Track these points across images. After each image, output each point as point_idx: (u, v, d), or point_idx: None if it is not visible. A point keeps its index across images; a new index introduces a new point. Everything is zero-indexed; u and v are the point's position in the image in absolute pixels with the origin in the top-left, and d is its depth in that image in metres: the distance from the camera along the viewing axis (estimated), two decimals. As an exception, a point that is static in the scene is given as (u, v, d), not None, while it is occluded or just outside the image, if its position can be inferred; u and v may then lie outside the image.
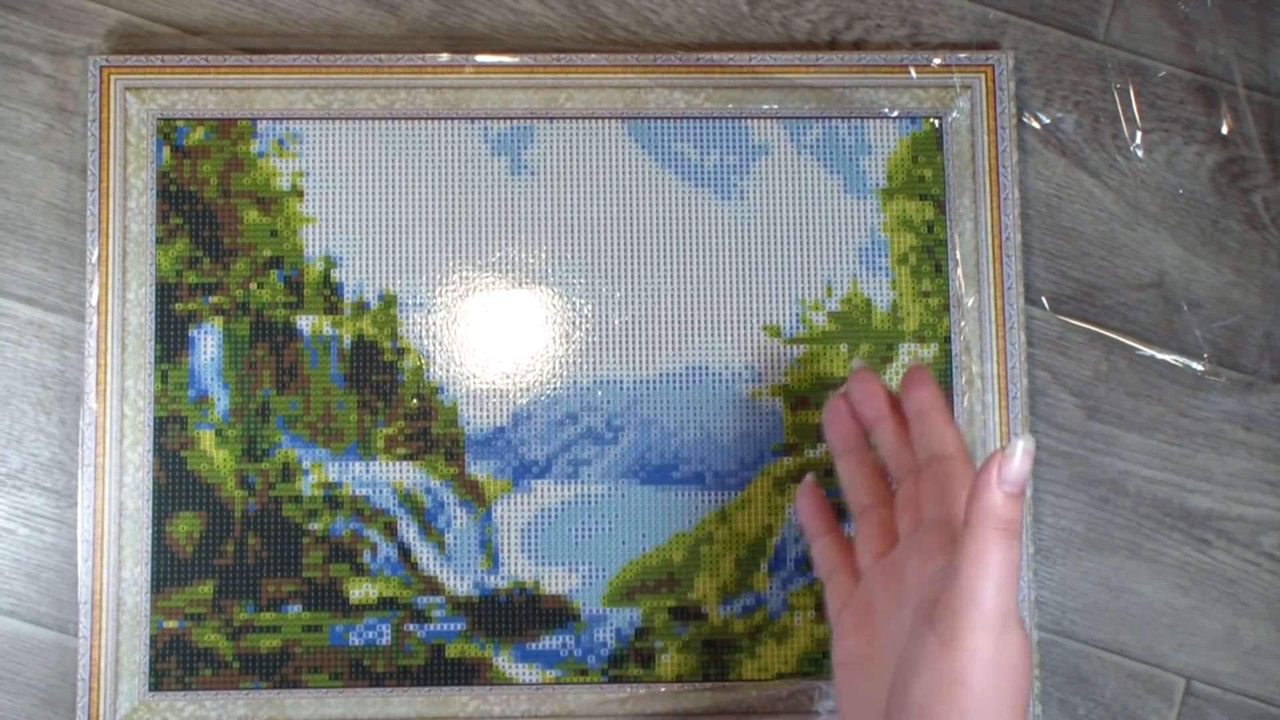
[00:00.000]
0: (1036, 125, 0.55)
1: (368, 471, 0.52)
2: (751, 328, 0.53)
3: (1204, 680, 0.53)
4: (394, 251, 0.53)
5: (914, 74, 0.53)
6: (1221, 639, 0.53)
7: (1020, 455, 0.37)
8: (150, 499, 0.51)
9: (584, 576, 0.52)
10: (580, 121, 0.53)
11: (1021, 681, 0.37)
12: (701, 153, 0.53)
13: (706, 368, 0.53)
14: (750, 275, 0.53)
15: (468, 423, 0.52)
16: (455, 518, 0.52)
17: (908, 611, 0.41)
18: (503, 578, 0.52)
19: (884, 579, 0.43)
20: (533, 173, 0.53)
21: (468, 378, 0.52)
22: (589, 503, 0.52)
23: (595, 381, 0.53)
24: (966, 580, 0.37)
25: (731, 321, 0.53)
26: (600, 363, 0.53)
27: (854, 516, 0.46)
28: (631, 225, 0.53)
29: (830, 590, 0.46)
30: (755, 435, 0.52)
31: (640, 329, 0.53)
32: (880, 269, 0.53)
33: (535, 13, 0.55)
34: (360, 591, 0.51)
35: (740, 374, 0.53)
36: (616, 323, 0.53)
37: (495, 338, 0.52)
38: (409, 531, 0.52)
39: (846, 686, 0.43)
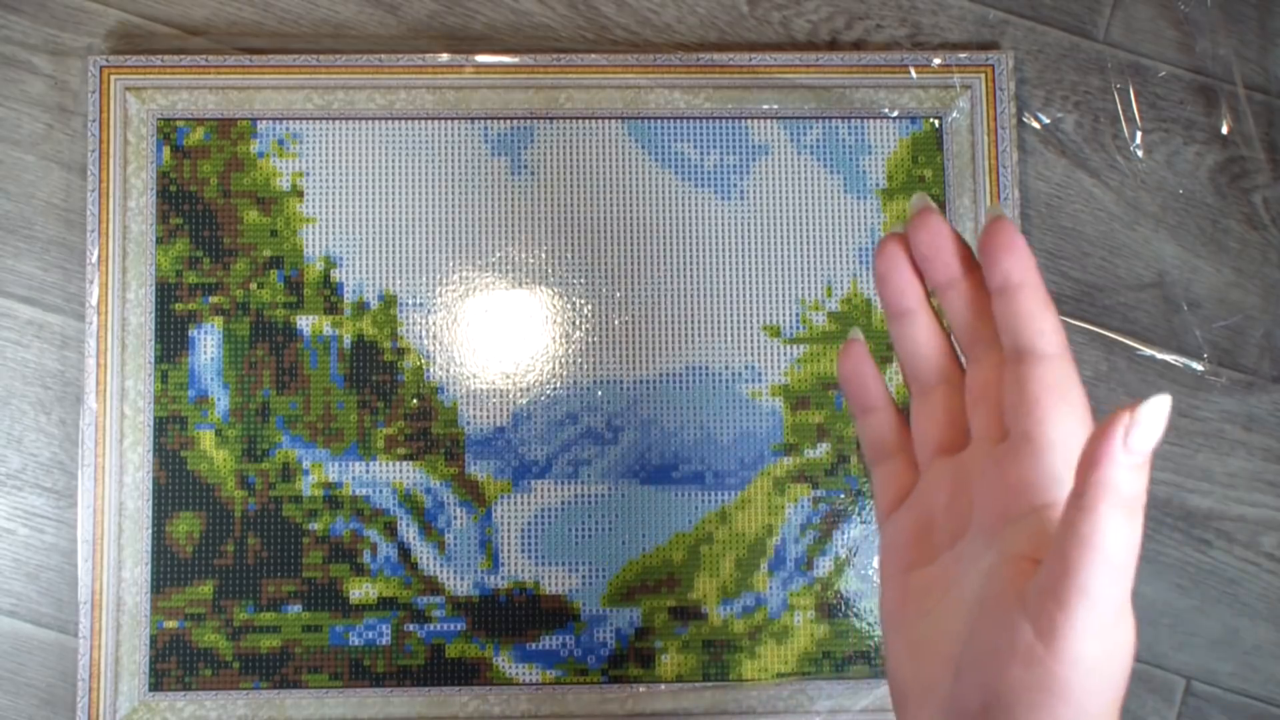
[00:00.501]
0: (1036, 125, 0.55)
1: (368, 471, 0.52)
2: (751, 328, 0.53)
3: (1204, 680, 0.53)
4: (394, 251, 0.53)
5: (914, 74, 0.53)
6: (1221, 639, 0.53)
7: (1154, 418, 0.28)
8: (150, 499, 0.51)
9: (584, 576, 0.52)
10: (580, 121, 0.53)
11: (1124, 678, 0.30)
12: (701, 153, 0.53)
13: (706, 368, 0.53)
14: (750, 275, 0.53)
15: (468, 423, 0.52)
16: (455, 518, 0.52)
17: (980, 546, 0.32)
18: (503, 578, 0.52)
19: (950, 486, 0.34)
20: (533, 173, 0.53)
21: (468, 378, 0.52)
22: (589, 503, 0.52)
23: (595, 381, 0.53)
24: (1076, 568, 0.29)
25: (731, 321, 0.53)
26: (600, 363, 0.53)
27: (912, 395, 0.36)
28: (631, 225, 0.53)
29: (879, 481, 0.36)
30: (755, 435, 0.52)
31: (640, 329, 0.53)
32: (880, 269, 0.53)
33: (535, 13, 0.55)
34: (360, 591, 0.51)
35: (740, 374, 0.53)
36: (616, 323, 0.53)
37: (495, 338, 0.52)
38: (409, 531, 0.52)
39: (897, 613, 0.34)
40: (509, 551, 0.52)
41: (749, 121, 0.54)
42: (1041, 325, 0.32)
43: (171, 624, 0.51)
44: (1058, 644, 0.29)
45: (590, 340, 0.53)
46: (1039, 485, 0.32)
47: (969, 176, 0.53)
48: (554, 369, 0.52)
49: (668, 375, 0.53)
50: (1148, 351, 0.54)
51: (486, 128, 0.53)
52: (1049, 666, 0.29)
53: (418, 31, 0.55)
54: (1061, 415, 0.32)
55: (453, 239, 0.53)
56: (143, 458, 0.51)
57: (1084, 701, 0.29)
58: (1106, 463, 0.28)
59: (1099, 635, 0.29)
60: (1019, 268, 0.32)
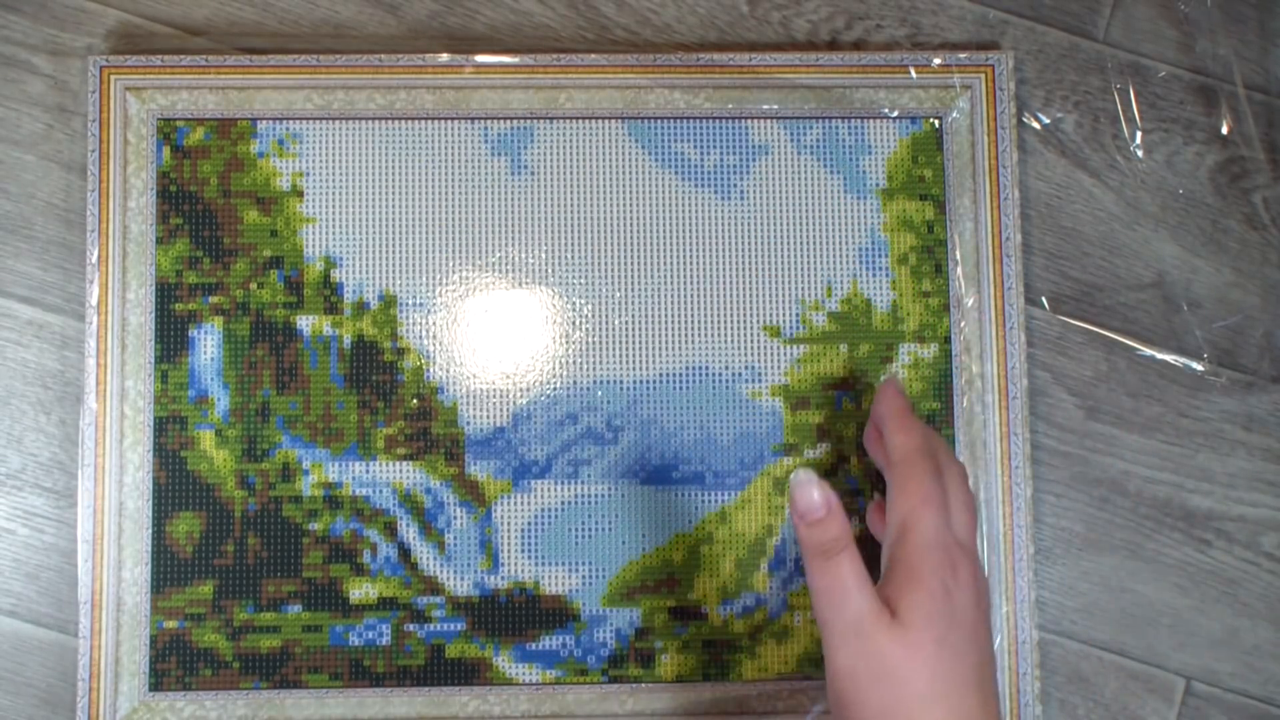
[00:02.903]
0: (1036, 125, 0.55)
1: (368, 471, 0.52)
2: (751, 328, 0.53)
3: (1204, 680, 0.53)
4: (394, 251, 0.53)
5: (914, 74, 0.53)
6: (1221, 639, 0.53)
7: (797, 489, 0.41)
8: (150, 499, 0.51)
9: (584, 576, 0.52)
10: (580, 121, 0.53)
11: (909, 671, 0.40)
12: (701, 153, 0.53)
13: (706, 368, 0.53)
14: (750, 275, 0.53)
15: (468, 423, 0.52)
16: (455, 518, 0.52)
17: None
18: (503, 578, 0.52)
19: None
20: (533, 173, 0.53)
21: (468, 378, 0.52)
22: (589, 503, 0.52)
23: (595, 381, 0.53)
24: (814, 606, 0.42)
25: (731, 321, 0.53)
26: (600, 363, 0.53)
27: None
28: (631, 225, 0.53)
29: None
30: (755, 435, 0.52)
31: (640, 329, 0.53)
32: (880, 269, 0.53)
33: (535, 13, 0.55)
34: (360, 591, 0.51)
35: (740, 374, 0.53)
36: (616, 323, 0.53)
37: (495, 338, 0.52)
38: (409, 531, 0.52)
39: None
40: (509, 551, 0.52)
41: (749, 121, 0.54)
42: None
43: (171, 624, 0.51)
44: (826, 655, 0.42)
45: (590, 340, 0.53)
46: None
47: (969, 176, 0.53)
48: (554, 369, 0.52)
49: (668, 375, 0.53)
50: (1148, 351, 0.54)
51: (486, 128, 0.53)
52: (829, 672, 0.42)
53: (418, 31, 0.55)
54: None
55: (453, 239, 0.53)
56: (143, 458, 0.51)
57: (862, 695, 0.41)
58: (795, 525, 0.42)
59: (843, 647, 0.41)
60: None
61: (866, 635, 0.41)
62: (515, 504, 0.52)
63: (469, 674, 0.51)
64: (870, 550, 0.53)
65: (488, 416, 0.52)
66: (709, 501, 0.52)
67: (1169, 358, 0.54)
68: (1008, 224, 0.53)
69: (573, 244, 0.53)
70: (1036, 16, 0.55)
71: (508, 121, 0.53)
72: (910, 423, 0.46)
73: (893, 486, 0.44)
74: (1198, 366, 0.54)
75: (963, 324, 0.53)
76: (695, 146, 0.53)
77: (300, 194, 0.53)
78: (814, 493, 0.41)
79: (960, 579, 0.42)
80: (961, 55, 0.54)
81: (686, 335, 0.53)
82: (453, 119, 0.53)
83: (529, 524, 0.52)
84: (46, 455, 0.52)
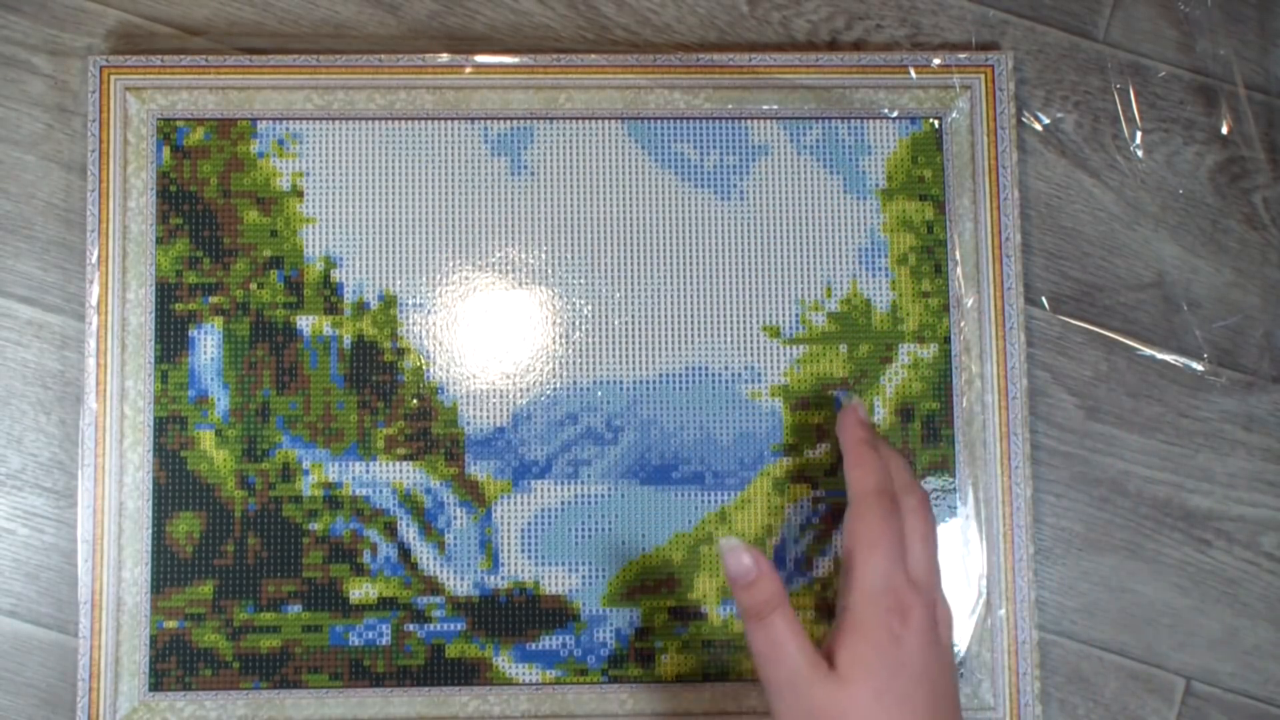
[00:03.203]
0: (1036, 125, 0.55)
1: (368, 471, 0.52)
2: (751, 328, 0.53)
3: (1204, 680, 0.53)
4: (394, 251, 0.53)
5: (914, 74, 0.53)
6: (1221, 639, 0.53)
7: (726, 556, 0.43)
8: (150, 499, 0.51)
9: (584, 576, 0.52)
10: (580, 122, 0.53)
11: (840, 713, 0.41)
12: (701, 153, 0.53)
13: (706, 368, 0.53)
14: (750, 275, 0.53)
15: (468, 423, 0.52)
16: (455, 518, 0.52)
17: None
18: (503, 578, 0.52)
19: None
20: (533, 173, 0.53)
21: (468, 378, 0.52)
22: (589, 503, 0.52)
23: (595, 381, 0.53)
24: (755, 665, 0.44)
25: (731, 321, 0.53)
26: (600, 363, 0.53)
27: None
28: (631, 225, 0.53)
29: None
30: (755, 435, 0.52)
31: (640, 329, 0.53)
32: (880, 269, 0.53)
33: (535, 13, 0.55)
34: (360, 591, 0.51)
35: (740, 374, 0.53)
36: (616, 323, 0.53)
37: (495, 338, 0.52)
38: (409, 532, 0.52)
39: None
40: (509, 551, 0.52)
41: (749, 122, 0.54)
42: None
43: (171, 624, 0.51)
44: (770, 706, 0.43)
45: (590, 340, 0.53)
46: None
47: (969, 177, 0.53)
48: (554, 369, 0.52)
49: (668, 375, 0.53)
50: (1148, 351, 0.54)
51: (486, 128, 0.53)
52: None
53: (418, 31, 0.55)
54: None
55: (453, 239, 0.53)
56: (143, 458, 0.51)
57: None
58: (731, 589, 0.43)
59: (780, 700, 0.42)
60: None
61: (801, 690, 0.41)
62: (515, 504, 0.52)
63: (469, 674, 0.51)
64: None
65: (488, 416, 0.52)
66: (709, 501, 0.52)
67: (1169, 358, 0.54)
68: (1007, 224, 0.53)
69: (572, 244, 0.53)
70: (1036, 16, 0.55)
71: (508, 122, 0.53)
72: (866, 456, 0.46)
73: (846, 523, 0.45)
74: (1198, 366, 0.54)
75: (962, 324, 0.53)
76: (695, 147, 0.53)
77: (300, 194, 0.53)
78: (744, 558, 0.42)
79: (911, 623, 0.42)
80: (961, 55, 0.54)
81: (686, 335, 0.53)
82: (453, 119, 0.53)
83: (529, 524, 0.52)
84: (46, 455, 0.52)
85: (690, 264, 0.53)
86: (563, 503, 0.52)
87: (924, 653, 0.42)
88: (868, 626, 0.42)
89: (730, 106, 0.53)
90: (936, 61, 0.53)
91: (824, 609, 0.52)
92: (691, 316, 0.53)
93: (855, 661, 0.42)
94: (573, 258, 0.53)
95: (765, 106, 0.53)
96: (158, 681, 0.51)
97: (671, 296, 0.53)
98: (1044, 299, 0.54)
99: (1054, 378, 0.54)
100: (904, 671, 0.42)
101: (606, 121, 0.53)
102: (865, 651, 0.42)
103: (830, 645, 0.43)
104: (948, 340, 0.53)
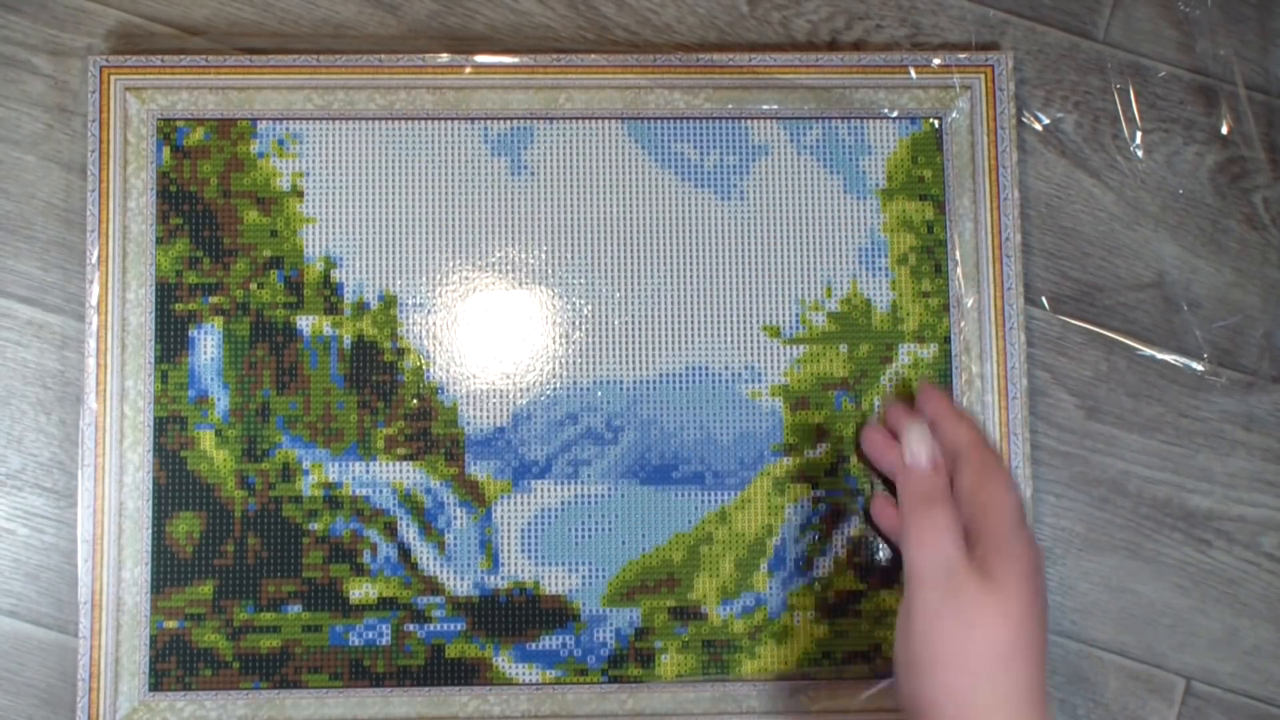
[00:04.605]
0: (1036, 125, 0.55)
1: (368, 472, 0.52)
2: (751, 328, 0.53)
3: (1204, 680, 0.53)
4: (394, 251, 0.53)
5: (914, 74, 0.53)
6: (1221, 639, 0.53)
7: (914, 439, 0.47)
8: (150, 499, 0.51)
9: (584, 576, 0.52)
10: (580, 122, 0.53)
11: (994, 627, 0.41)
12: (701, 153, 0.53)
13: (706, 368, 0.53)
14: (750, 275, 0.53)
15: (468, 423, 0.52)
16: (455, 518, 0.52)
17: None
18: (503, 578, 0.52)
19: None
20: (533, 173, 0.53)
21: (468, 378, 0.52)
22: (589, 503, 0.52)
23: (595, 381, 0.53)
24: (904, 548, 0.45)
25: (731, 321, 0.53)
26: (600, 363, 0.53)
27: None
28: (631, 225, 0.53)
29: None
30: (755, 435, 0.52)
31: (640, 329, 0.53)
32: (880, 269, 0.53)
33: (535, 13, 0.55)
34: (360, 591, 0.51)
35: (740, 374, 0.53)
36: (616, 323, 0.53)
37: (495, 338, 0.52)
38: (409, 532, 0.52)
39: None
40: (509, 551, 0.52)
41: (749, 122, 0.54)
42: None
43: (171, 624, 0.51)
44: (905, 605, 0.44)
45: (590, 340, 0.53)
46: None
47: (969, 177, 0.53)
48: (554, 369, 0.52)
49: (668, 375, 0.53)
50: (1148, 351, 0.54)
51: (486, 128, 0.53)
52: (904, 621, 0.44)
53: (418, 31, 0.55)
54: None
55: (453, 239, 0.53)
56: (143, 458, 0.51)
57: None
58: (897, 475, 0.46)
59: (934, 590, 0.42)
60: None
61: (959, 580, 0.42)
62: (515, 504, 0.52)
63: (469, 674, 0.51)
64: (870, 548, 0.53)
65: (488, 416, 0.52)
66: (709, 501, 0.52)
67: (1169, 358, 0.54)
68: (1007, 224, 0.53)
69: (572, 244, 0.53)
70: (1036, 16, 0.55)
71: (508, 122, 0.53)
72: (965, 414, 0.49)
73: (972, 471, 0.45)
74: (1198, 366, 0.54)
75: (962, 324, 0.53)
76: (695, 147, 0.53)
77: (300, 194, 0.53)
78: (932, 447, 0.46)
79: (1042, 566, 0.44)
80: (961, 55, 0.54)
81: (686, 335, 0.53)
82: (453, 119, 0.53)
83: (529, 524, 0.52)
84: (46, 455, 0.52)
85: (690, 264, 0.53)
86: (563, 503, 0.52)
87: (1044, 594, 0.44)
88: (1019, 550, 0.43)
89: (730, 106, 0.53)
90: (936, 61, 0.53)
91: (824, 609, 0.52)
92: (691, 316, 0.53)
93: (1011, 573, 0.42)
94: (573, 258, 0.53)
95: (765, 106, 0.53)
96: (158, 681, 0.51)
97: (671, 296, 0.53)
98: (1044, 299, 0.54)
99: (1054, 378, 0.54)
100: (1041, 599, 0.43)
101: (606, 121, 0.53)
102: (1019, 568, 0.42)
103: (978, 556, 0.43)
104: (948, 340, 0.53)
